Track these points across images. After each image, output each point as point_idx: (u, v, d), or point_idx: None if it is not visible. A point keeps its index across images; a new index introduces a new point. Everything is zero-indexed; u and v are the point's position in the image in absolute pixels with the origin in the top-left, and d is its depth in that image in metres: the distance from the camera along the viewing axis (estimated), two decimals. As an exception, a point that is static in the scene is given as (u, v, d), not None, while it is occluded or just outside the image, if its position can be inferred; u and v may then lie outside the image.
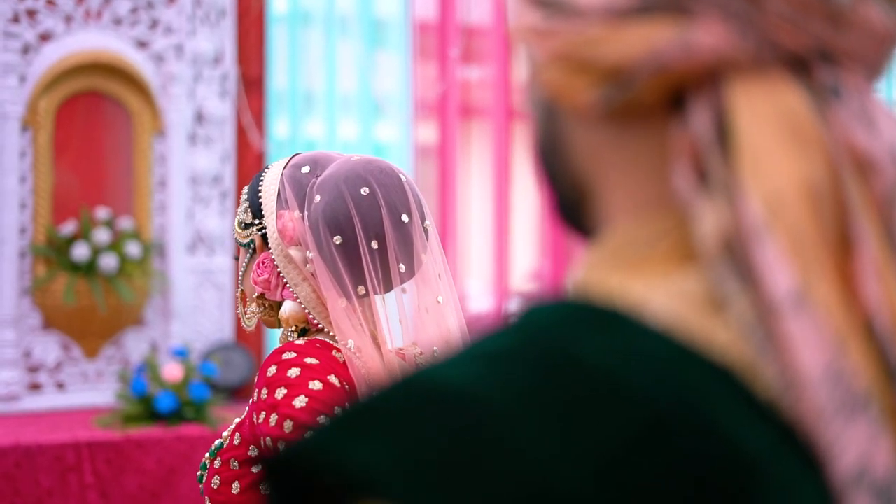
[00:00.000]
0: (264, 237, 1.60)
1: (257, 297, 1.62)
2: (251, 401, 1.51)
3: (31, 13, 4.24)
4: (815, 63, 0.50)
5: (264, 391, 1.46)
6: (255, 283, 1.60)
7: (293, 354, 1.49)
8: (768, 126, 0.49)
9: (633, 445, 0.43)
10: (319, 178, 1.56)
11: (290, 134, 4.70)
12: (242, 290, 1.65)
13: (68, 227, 4.23)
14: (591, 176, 0.55)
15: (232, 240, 4.08)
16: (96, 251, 4.20)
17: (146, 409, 3.90)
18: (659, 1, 0.49)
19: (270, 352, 1.54)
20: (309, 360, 1.47)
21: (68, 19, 4.30)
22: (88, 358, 4.36)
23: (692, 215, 0.49)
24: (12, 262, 4.17)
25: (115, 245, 4.24)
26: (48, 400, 4.27)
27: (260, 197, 1.60)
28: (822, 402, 0.45)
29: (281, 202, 1.58)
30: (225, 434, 1.60)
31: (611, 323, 0.48)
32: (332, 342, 1.53)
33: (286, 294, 1.58)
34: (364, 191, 1.53)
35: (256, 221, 1.61)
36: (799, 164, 0.48)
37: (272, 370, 1.47)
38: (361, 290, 1.53)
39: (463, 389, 0.44)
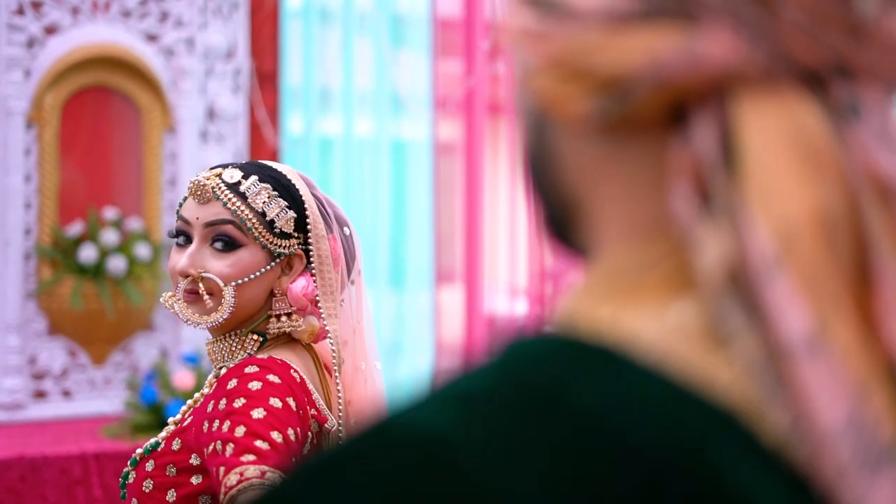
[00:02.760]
0: (306, 253, 1.61)
1: (213, 296, 1.58)
2: (208, 409, 1.50)
3: (37, 5, 4.10)
4: (833, 79, 0.47)
5: (223, 401, 1.47)
6: (305, 296, 1.61)
7: (256, 369, 1.51)
8: (779, 147, 0.45)
9: (633, 500, 0.41)
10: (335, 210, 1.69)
11: (304, 131, 4.57)
12: (207, 277, 1.58)
13: (75, 228, 4.09)
14: (582, 192, 0.52)
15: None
16: (104, 253, 4.07)
17: (156, 418, 3.77)
18: (664, 6, 0.46)
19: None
20: (271, 378, 1.49)
21: (75, 11, 4.16)
22: (96, 364, 4.23)
23: (692, 242, 0.46)
24: (17, 264, 4.03)
25: (124, 246, 4.11)
26: (54, 408, 4.13)
27: (307, 212, 1.60)
28: (844, 457, 0.43)
29: (327, 226, 1.63)
30: (162, 435, 1.58)
31: (601, 361, 0.45)
32: (289, 362, 1.56)
33: (311, 312, 1.62)
34: (346, 231, 1.69)
35: (297, 235, 1.60)
36: (813, 191, 0.45)
37: (233, 383, 1.49)
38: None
39: (437, 435, 0.42)
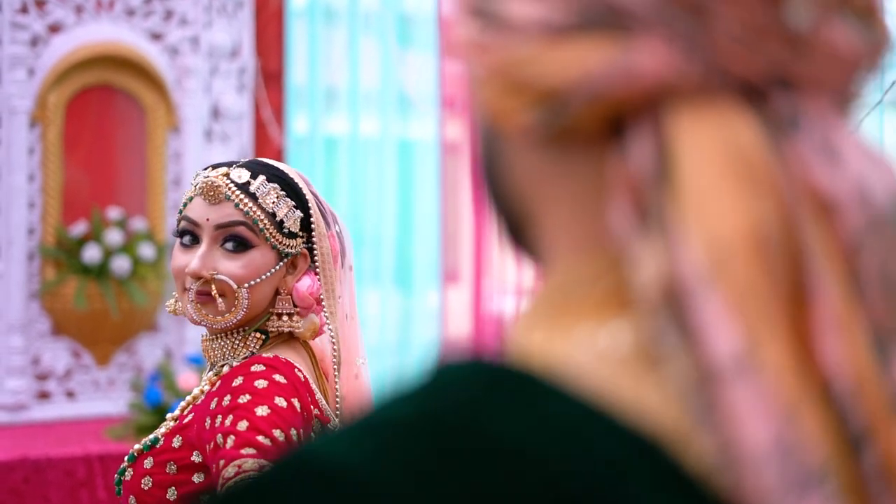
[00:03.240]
0: (310, 251, 1.62)
1: (226, 298, 1.57)
2: (211, 405, 1.49)
3: (40, 3, 4.06)
4: (772, 91, 0.46)
5: (227, 398, 1.47)
6: (311, 294, 1.61)
7: (262, 367, 1.51)
8: (715, 162, 0.45)
9: None
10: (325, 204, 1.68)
11: (309, 130, 4.53)
12: (219, 279, 1.56)
13: (79, 228, 4.05)
14: (531, 204, 0.52)
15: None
16: (108, 253, 4.03)
17: (160, 420, 3.67)
18: (598, 18, 0.46)
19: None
20: (277, 377, 1.50)
21: (79, 10, 4.12)
22: (100, 365, 4.19)
23: (628, 258, 0.46)
24: (20, 264, 3.99)
25: (128, 247, 4.07)
26: (57, 409, 4.09)
27: (310, 210, 1.61)
28: (769, 481, 0.42)
29: (326, 224, 1.63)
30: (161, 431, 1.57)
31: (518, 388, 0.44)
32: (293, 361, 1.56)
33: (315, 310, 1.63)
34: (337, 228, 1.69)
35: (302, 234, 1.61)
36: (748, 207, 0.44)
37: (239, 380, 1.49)
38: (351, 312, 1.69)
39: (348, 468, 0.42)
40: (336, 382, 1.61)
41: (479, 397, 0.44)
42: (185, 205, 1.61)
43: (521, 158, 0.51)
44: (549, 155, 0.50)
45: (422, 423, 0.44)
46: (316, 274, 1.62)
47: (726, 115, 0.46)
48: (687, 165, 0.45)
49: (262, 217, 1.56)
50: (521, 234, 0.54)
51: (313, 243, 1.61)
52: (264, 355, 1.55)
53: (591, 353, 0.46)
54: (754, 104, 0.46)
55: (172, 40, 4.27)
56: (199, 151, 4.25)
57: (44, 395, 4.10)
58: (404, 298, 4.50)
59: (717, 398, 0.43)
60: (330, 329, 1.61)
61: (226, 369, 1.58)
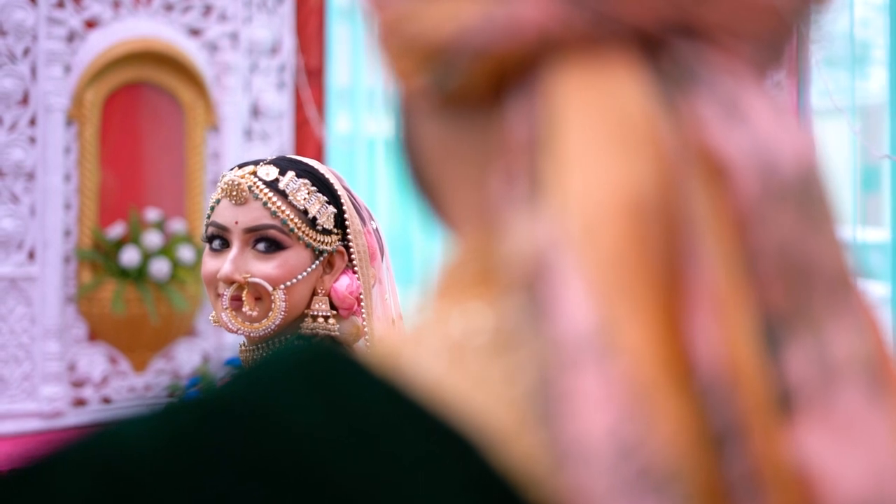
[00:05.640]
0: (346, 249, 1.56)
1: (261, 302, 1.51)
2: None
3: (77, -2, 3.96)
4: (673, 41, 0.41)
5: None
6: (352, 293, 1.55)
7: None
8: (594, 124, 0.40)
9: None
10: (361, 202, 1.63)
11: (352, 129, 4.42)
12: (254, 282, 1.49)
13: (116, 230, 3.94)
14: (437, 173, 0.48)
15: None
16: (147, 256, 3.93)
17: (203, 429, 3.60)
18: None
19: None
20: None
21: (116, 5, 4.01)
22: (137, 371, 4.08)
23: (501, 231, 0.41)
24: (56, 267, 3.87)
25: (167, 249, 3.97)
26: (93, 417, 3.95)
27: (343, 205, 1.56)
28: (597, 484, 0.36)
29: (361, 220, 1.59)
30: None
31: (326, 377, 0.41)
32: None
33: (356, 311, 1.57)
34: (374, 224, 1.63)
35: (336, 231, 1.55)
36: (624, 172, 0.39)
37: None
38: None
39: (123, 452, 0.40)
40: None
41: (277, 380, 0.41)
42: (212, 208, 1.55)
43: (426, 125, 0.48)
44: (448, 120, 0.46)
45: (210, 402, 0.42)
46: (354, 272, 1.56)
47: (614, 69, 0.41)
48: (564, 128, 0.40)
49: (292, 216, 1.50)
50: (435, 206, 0.50)
51: (349, 240, 1.56)
52: None
53: (440, 341, 0.42)
54: (652, 56, 0.41)
55: (211, 36, 4.17)
56: (238, 151, 4.14)
57: (80, 402, 4.00)
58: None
59: (561, 386, 0.37)
60: (366, 330, 1.55)
61: None
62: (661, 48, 0.42)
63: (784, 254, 0.40)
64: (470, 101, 0.45)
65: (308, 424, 0.39)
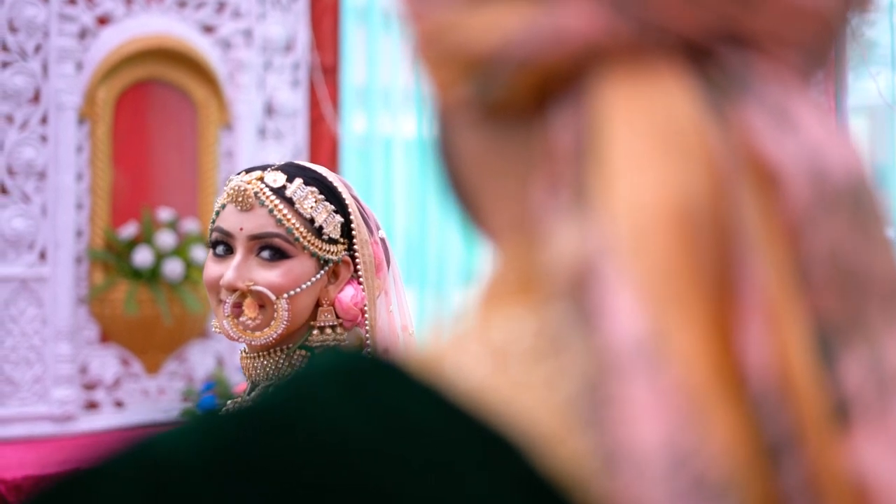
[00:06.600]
0: (352, 258, 1.54)
1: (264, 310, 1.48)
2: None
3: (88, -5, 3.91)
4: (721, 49, 0.41)
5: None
6: (356, 305, 1.53)
7: None
8: (642, 133, 0.40)
9: None
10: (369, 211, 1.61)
11: (367, 128, 4.36)
12: (257, 290, 1.46)
13: (129, 230, 3.89)
14: (476, 183, 0.48)
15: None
16: (160, 256, 3.87)
17: (217, 432, 3.55)
18: None
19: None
20: None
21: (129, 1, 3.96)
22: (149, 373, 4.03)
23: (543, 239, 0.42)
24: (67, 268, 3.81)
25: (180, 249, 3.91)
26: (105, 420, 3.93)
27: (350, 215, 1.53)
28: (652, 492, 0.36)
29: (368, 229, 1.57)
30: None
31: (368, 383, 0.41)
32: None
33: (360, 322, 1.55)
34: (381, 234, 1.61)
35: (343, 240, 1.52)
36: (673, 179, 0.39)
37: None
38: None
39: (169, 455, 0.40)
40: None
41: (320, 387, 0.42)
42: (217, 213, 1.53)
43: (465, 134, 0.48)
44: (488, 130, 0.46)
45: (256, 412, 0.42)
46: (359, 283, 1.54)
47: (660, 78, 0.41)
48: (611, 137, 0.40)
49: (298, 225, 1.48)
50: (474, 216, 0.50)
51: (355, 250, 1.54)
52: None
53: (482, 346, 0.43)
54: (699, 65, 0.41)
55: (225, 33, 4.12)
56: (252, 150, 4.09)
57: (92, 405, 3.95)
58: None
59: (610, 393, 0.38)
60: (368, 341, 1.54)
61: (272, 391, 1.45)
62: (707, 57, 0.42)
63: (836, 262, 0.40)
64: (512, 110, 0.45)
65: (352, 433, 0.40)
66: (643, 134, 0.41)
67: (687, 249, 0.39)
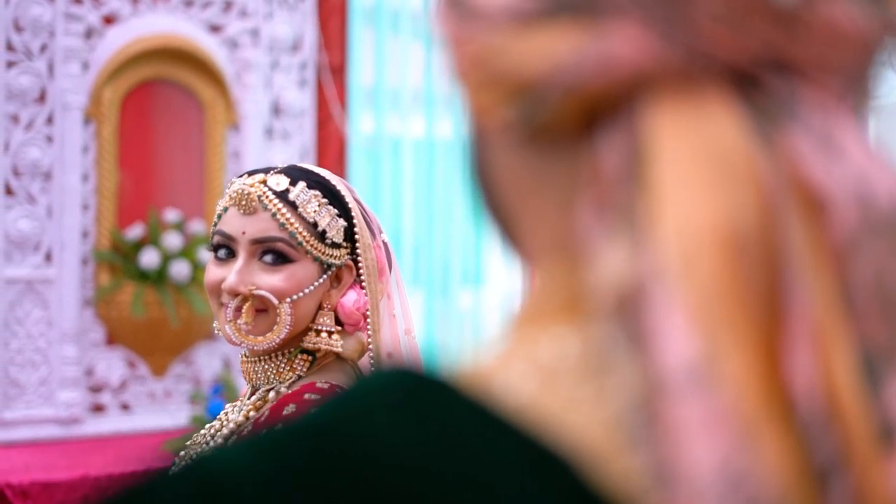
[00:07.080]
0: (355, 263, 1.52)
1: (266, 315, 1.46)
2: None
3: (94, -6, 3.87)
4: (766, 76, 0.42)
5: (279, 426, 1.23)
6: (358, 309, 1.51)
7: (317, 398, 1.41)
8: (690, 157, 0.41)
9: None
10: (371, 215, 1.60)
11: (375, 129, 4.33)
12: (259, 294, 1.44)
13: (135, 231, 3.85)
14: (516, 203, 0.49)
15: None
16: (166, 257, 3.84)
17: (224, 435, 3.51)
18: (567, 2, 0.43)
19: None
20: None
21: (135, 0, 3.92)
22: (156, 376, 4.00)
23: (589, 259, 0.43)
24: (73, 269, 3.77)
25: (187, 251, 3.88)
26: (112, 423, 3.89)
27: (354, 220, 1.52)
28: None
29: (371, 234, 1.55)
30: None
31: (422, 399, 0.42)
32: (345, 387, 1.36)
33: (362, 327, 1.53)
34: (383, 238, 1.59)
35: (345, 244, 1.51)
36: (722, 204, 0.41)
37: (291, 408, 1.39)
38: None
39: (227, 472, 0.42)
40: None
41: (373, 405, 0.42)
42: (219, 216, 1.50)
43: (505, 156, 0.49)
44: (530, 155, 0.47)
45: (309, 429, 0.43)
46: (362, 287, 1.53)
47: (708, 104, 0.42)
48: (659, 161, 0.42)
49: (300, 229, 1.46)
50: (512, 236, 0.51)
51: (358, 254, 1.53)
52: (318, 383, 1.45)
53: (529, 364, 0.43)
54: (745, 91, 0.42)
55: (232, 32, 4.09)
56: (259, 150, 4.06)
57: (98, 408, 3.91)
58: (476, 300, 4.33)
59: (660, 413, 0.39)
60: (370, 346, 1.52)
61: (272, 395, 1.48)
62: (753, 83, 0.43)
63: (882, 287, 0.40)
64: (556, 133, 0.45)
65: (406, 451, 0.40)
66: (692, 159, 0.41)
67: (736, 274, 0.40)
